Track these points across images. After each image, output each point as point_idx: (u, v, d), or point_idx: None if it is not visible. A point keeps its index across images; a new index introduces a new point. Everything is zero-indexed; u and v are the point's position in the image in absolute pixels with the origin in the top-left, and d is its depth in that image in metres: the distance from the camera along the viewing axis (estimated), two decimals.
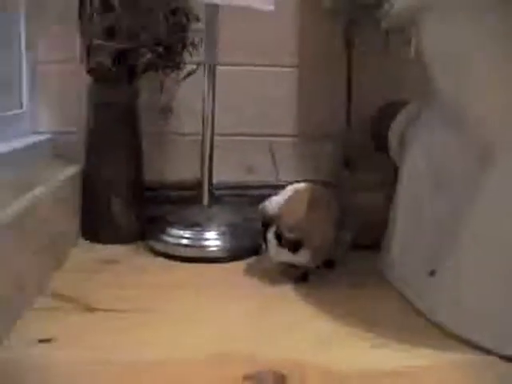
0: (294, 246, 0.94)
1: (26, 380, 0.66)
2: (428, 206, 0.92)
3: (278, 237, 0.94)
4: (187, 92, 1.22)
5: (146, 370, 0.68)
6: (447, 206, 0.85)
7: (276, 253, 0.95)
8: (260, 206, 0.99)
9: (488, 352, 0.74)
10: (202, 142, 1.12)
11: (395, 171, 1.05)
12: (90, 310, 0.84)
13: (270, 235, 0.95)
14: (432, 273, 0.85)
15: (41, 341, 0.73)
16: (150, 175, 1.22)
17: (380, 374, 0.70)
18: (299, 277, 0.98)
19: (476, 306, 0.77)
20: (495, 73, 0.74)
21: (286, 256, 0.95)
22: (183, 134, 1.27)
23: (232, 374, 0.68)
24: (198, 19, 1.11)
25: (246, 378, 0.67)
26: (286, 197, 0.98)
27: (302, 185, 1.01)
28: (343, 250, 1.03)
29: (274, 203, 0.98)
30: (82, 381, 0.66)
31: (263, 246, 0.98)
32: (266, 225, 0.96)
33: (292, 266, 0.98)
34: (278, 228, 0.94)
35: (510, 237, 0.75)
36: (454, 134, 0.86)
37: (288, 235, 0.94)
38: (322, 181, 1.13)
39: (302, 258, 0.94)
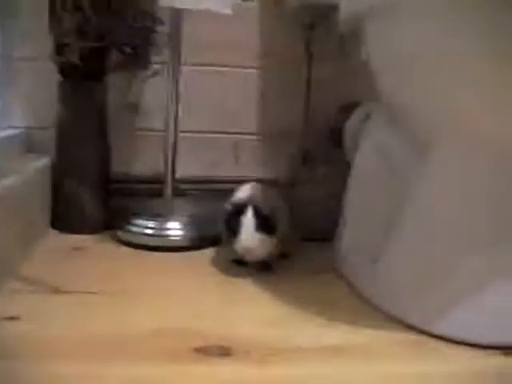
0: (271, 227, 0.95)
1: None
2: (376, 200, 0.99)
3: (258, 216, 0.94)
4: (155, 90, 1.27)
5: (103, 343, 0.75)
6: (392, 198, 0.92)
7: (251, 237, 0.94)
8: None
9: (417, 330, 0.81)
10: (166, 137, 1.18)
11: (349, 166, 1.12)
12: (57, 292, 0.89)
13: (248, 217, 0.94)
14: (374, 261, 0.92)
15: (7, 318, 0.79)
16: (117, 168, 1.27)
17: (322, 349, 0.77)
18: (262, 266, 1.01)
19: (406, 289, 0.85)
20: (432, 67, 0.79)
21: (260, 241, 0.94)
22: (150, 130, 1.32)
23: (183, 346, 0.74)
24: (162, 22, 1.17)
25: (196, 350, 0.74)
26: (245, 190, 1.02)
27: (251, 184, 1.05)
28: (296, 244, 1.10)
29: (237, 195, 1.00)
30: (43, 354, 0.71)
31: (225, 236, 0.99)
32: (238, 211, 0.96)
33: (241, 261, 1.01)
34: (256, 207, 0.95)
35: (437, 224, 0.83)
36: (397, 130, 0.93)
37: (269, 213, 0.95)
38: (268, 180, 1.20)
39: (271, 244, 0.96)
